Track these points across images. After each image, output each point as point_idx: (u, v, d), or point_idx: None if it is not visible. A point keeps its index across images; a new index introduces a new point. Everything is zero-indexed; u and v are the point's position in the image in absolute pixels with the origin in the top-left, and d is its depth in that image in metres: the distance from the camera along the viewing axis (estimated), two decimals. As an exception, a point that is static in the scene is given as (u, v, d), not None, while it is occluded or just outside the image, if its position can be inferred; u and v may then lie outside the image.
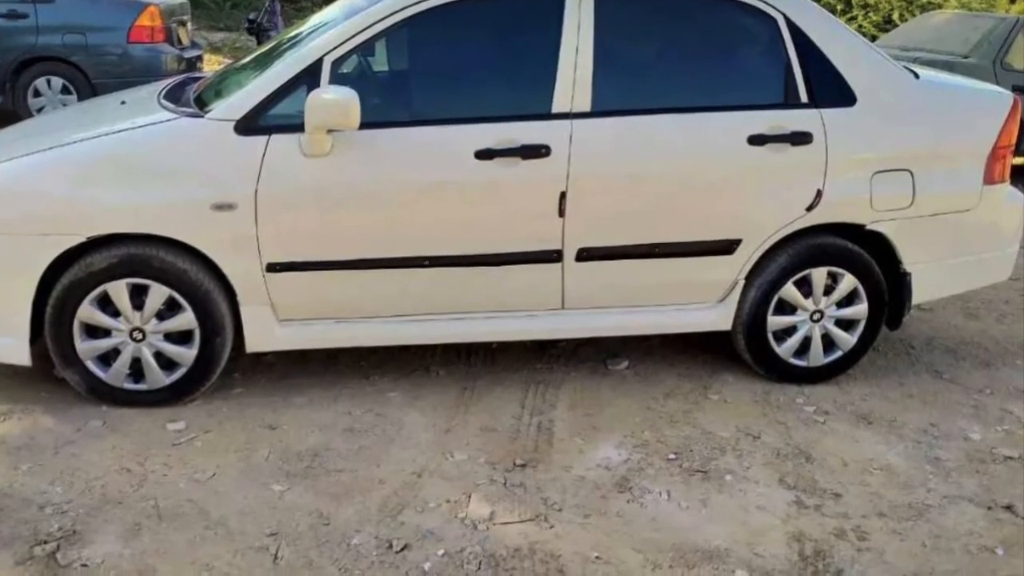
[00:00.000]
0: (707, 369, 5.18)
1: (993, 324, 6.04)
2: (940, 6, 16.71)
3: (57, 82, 10.71)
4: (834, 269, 4.83)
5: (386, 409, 4.64)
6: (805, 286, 4.86)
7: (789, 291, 4.84)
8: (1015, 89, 6.54)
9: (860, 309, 4.92)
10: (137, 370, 4.51)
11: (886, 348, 5.53)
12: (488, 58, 4.74)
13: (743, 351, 5.01)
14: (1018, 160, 6.87)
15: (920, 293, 4.98)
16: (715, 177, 4.61)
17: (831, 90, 4.69)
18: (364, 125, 4.21)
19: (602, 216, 4.55)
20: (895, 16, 17.25)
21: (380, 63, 5.23)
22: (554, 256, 4.56)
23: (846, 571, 3.57)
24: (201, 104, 4.56)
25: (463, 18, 4.65)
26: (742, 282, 4.81)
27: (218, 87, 4.79)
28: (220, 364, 4.58)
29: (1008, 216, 5.15)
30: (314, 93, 4.16)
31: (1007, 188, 5.11)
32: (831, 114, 4.66)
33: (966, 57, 9.75)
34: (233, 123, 4.30)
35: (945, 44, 10.18)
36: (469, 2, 4.56)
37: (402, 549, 3.58)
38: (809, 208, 4.66)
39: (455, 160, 4.41)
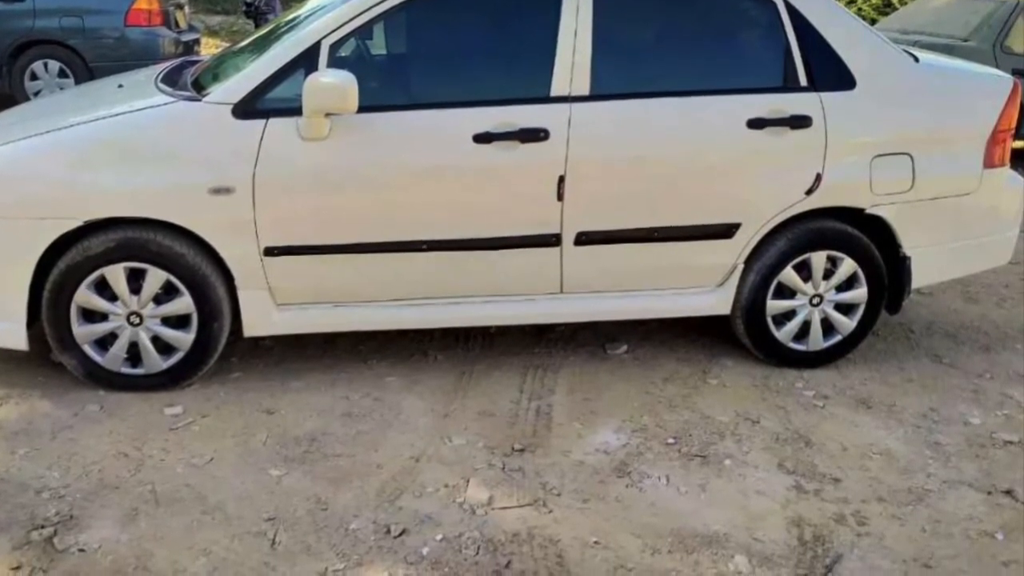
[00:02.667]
0: (706, 353, 5.17)
1: (993, 308, 6.03)
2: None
3: (54, 65, 10.71)
4: (833, 253, 4.82)
5: (384, 394, 4.63)
6: (804, 270, 4.85)
7: (788, 275, 4.83)
8: (1015, 72, 6.51)
9: (859, 293, 4.91)
10: (134, 354, 4.50)
11: (885, 332, 5.52)
12: (486, 41, 4.72)
13: (742, 335, 5.01)
14: (1018, 144, 6.85)
15: (920, 277, 4.97)
16: (714, 161, 4.60)
17: (830, 73, 4.67)
18: (362, 109, 4.19)
19: (601, 200, 4.53)
20: (894, -1, 17.22)
21: (378, 46, 5.21)
22: (552, 240, 4.55)
23: (845, 556, 3.56)
24: (199, 88, 4.55)
25: (461, 1, 4.65)
26: (741, 266, 4.80)
27: (216, 71, 4.77)
28: (218, 348, 4.57)
29: (1008, 200, 5.14)
30: (312, 77, 4.15)
31: (1007, 172, 5.10)
32: (830, 98, 4.65)
33: (966, 40, 9.71)
34: (231, 107, 4.28)
35: (945, 27, 10.14)
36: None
37: (400, 534, 3.58)
38: (808, 192, 4.65)
39: (453, 144, 4.39)
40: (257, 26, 13.20)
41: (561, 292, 4.72)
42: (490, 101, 4.45)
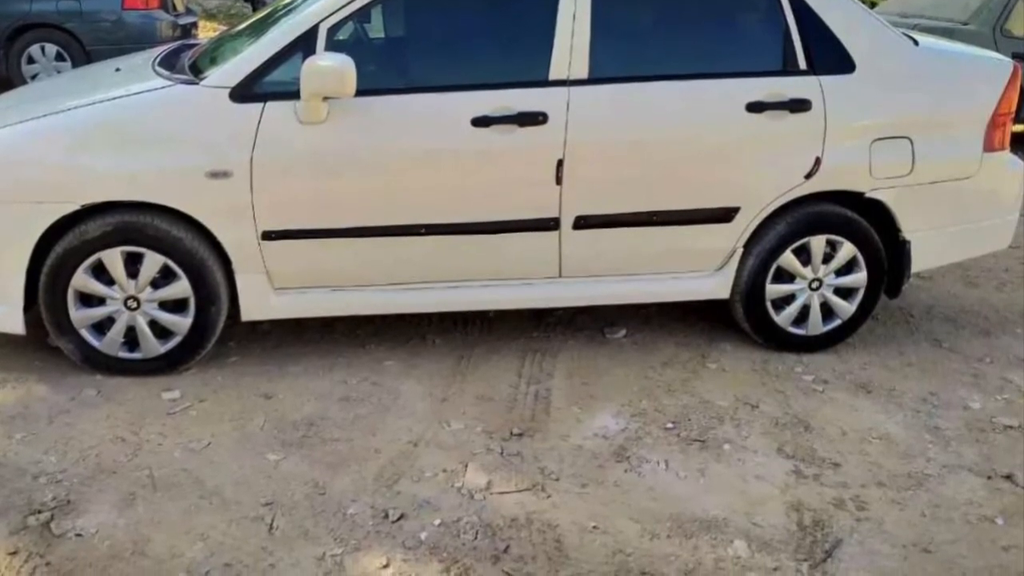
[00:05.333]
0: (705, 338, 5.16)
1: (993, 292, 6.03)
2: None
3: (51, 49, 10.69)
4: (833, 237, 4.81)
5: (382, 378, 4.63)
6: (804, 254, 4.84)
7: (788, 259, 4.82)
8: (1015, 56, 6.49)
9: (859, 277, 4.90)
10: (132, 339, 4.49)
11: (885, 317, 5.52)
12: (485, 24, 4.70)
13: (741, 320, 5.00)
14: (1018, 127, 6.84)
15: (919, 261, 4.95)
16: (713, 144, 4.59)
17: (830, 57, 4.66)
18: (360, 92, 4.18)
19: (599, 184, 4.52)
20: (894, -17, 17.15)
21: (376, 30, 5.19)
22: (551, 224, 4.54)
23: (845, 541, 3.56)
24: (196, 71, 4.52)
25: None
26: (740, 250, 4.78)
27: (213, 54, 4.74)
28: (215, 333, 4.56)
29: (1008, 184, 5.12)
30: (310, 60, 4.13)
31: (1007, 155, 5.08)
32: (830, 81, 4.63)
33: (965, 24, 9.68)
34: (228, 90, 4.27)
35: (944, 11, 10.10)
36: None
37: (398, 519, 3.57)
38: (808, 176, 4.63)
39: (451, 127, 4.38)
40: (255, 9, 13.19)
41: (560, 276, 4.71)
42: (488, 85, 4.44)
